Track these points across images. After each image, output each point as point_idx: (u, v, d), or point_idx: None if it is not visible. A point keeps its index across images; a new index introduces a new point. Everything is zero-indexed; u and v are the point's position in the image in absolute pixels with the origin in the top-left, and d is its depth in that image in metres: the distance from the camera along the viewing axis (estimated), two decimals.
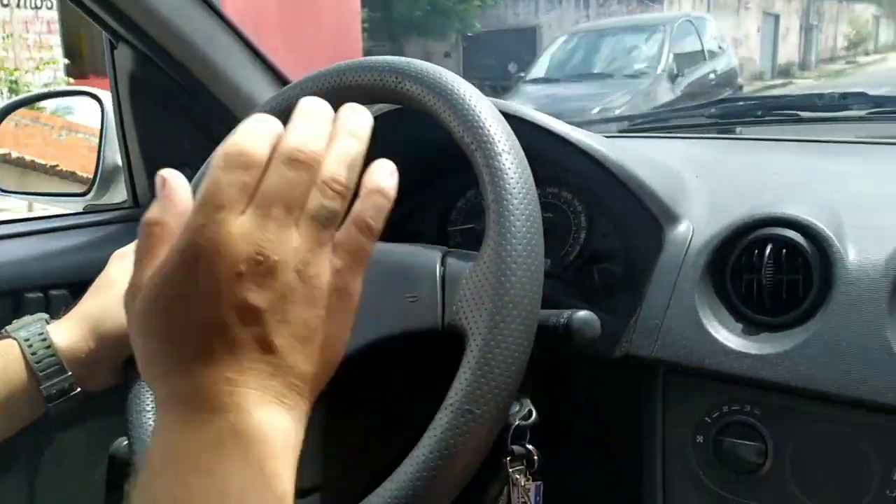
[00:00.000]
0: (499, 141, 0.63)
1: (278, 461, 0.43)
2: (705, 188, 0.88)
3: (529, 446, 0.78)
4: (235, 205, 0.43)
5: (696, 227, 0.82)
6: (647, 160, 0.90)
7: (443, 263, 0.69)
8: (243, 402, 0.42)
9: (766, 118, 1.20)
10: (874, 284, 0.70)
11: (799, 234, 0.75)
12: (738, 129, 1.22)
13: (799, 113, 1.18)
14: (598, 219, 0.98)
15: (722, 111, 1.24)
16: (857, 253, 0.72)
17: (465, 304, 0.63)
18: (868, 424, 0.69)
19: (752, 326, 0.77)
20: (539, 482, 0.81)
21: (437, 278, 0.68)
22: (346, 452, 0.79)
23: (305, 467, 0.46)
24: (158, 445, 0.44)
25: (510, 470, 0.77)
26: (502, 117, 0.66)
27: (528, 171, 0.64)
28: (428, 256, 0.70)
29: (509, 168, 0.62)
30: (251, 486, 0.41)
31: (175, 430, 0.43)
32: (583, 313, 0.68)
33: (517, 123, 0.84)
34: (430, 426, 0.60)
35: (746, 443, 0.73)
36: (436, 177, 1.08)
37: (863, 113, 1.14)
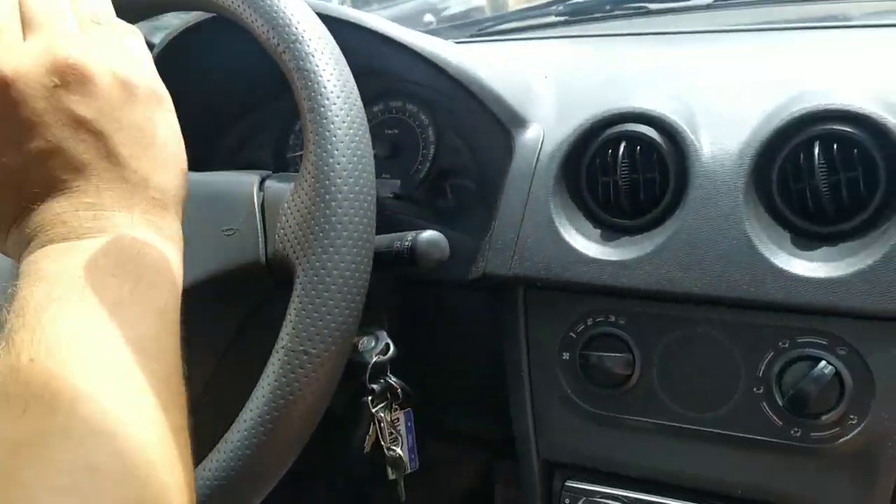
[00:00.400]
0: (309, 40, 0.54)
1: (158, 276, 0.42)
2: (554, 89, 0.81)
3: (392, 379, 0.72)
4: (12, 26, 0.42)
5: (546, 130, 0.76)
6: (490, 63, 0.83)
7: (261, 189, 0.61)
8: (109, 225, 0.41)
9: (615, 12, 1.15)
10: (729, 175, 0.67)
11: (652, 130, 0.70)
12: (588, 25, 1.16)
13: (647, 5, 1.14)
14: (447, 132, 0.90)
15: (570, 9, 1.18)
16: (711, 144, 0.68)
17: (288, 232, 0.55)
18: (731, 322, 0.66)
19: (611, 232, 0.72)
20: (408, 409, 0.75)
21: (256, 206, 0.59)
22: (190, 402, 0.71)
23: None
24: (29, 282, 0.40)
25: (373, 410, 0.71)
26: (314, 14, 0.57)
27: (348, 72, 0.56)
28: (243, 182, 0.61)
29: (323, 69, 0.54)
30: (132, 302, 0.40)
31: (46, 262, 0.40)
32: (428, 234, 0.61)
33: (348, 30, 0.75)
34: (263, 373, 0.53)
35: (613, 355, 0.69)
36: (269, 98, 0.97)
37: (708, 1, 1.10)
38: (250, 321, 0.66)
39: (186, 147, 0.48)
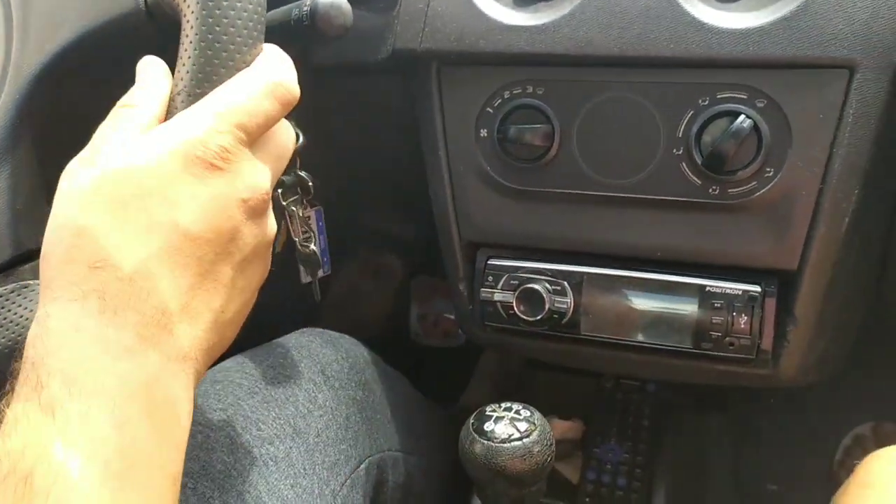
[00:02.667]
0: None
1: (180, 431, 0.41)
2: None
3: (302, 173, 0.69)
4: (256, 133, 0.42)
5: None
6: None
7: None
8: (175, 351, 0.40)
9: None
10: None
11: None
12: None
13: None
14: None
15: None
16: None
17: None
18: (652, 83, 0.64)
19: None
20: (318, 207, 0.73)
21: None
22: None
23: None
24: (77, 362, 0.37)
25: (283, 202, 0.68)
26: None
27: None
28: None
29: None
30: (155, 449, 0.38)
31: (98, 349, 0.37)
32: None
33: None
34: None
35: (531, 126, 0.67)
36: None
37: None
38: None
39: None
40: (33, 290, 0.52)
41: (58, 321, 0.38)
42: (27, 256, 0.53)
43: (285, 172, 0.69)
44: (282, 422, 0.64)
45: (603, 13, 0.63)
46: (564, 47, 0.64)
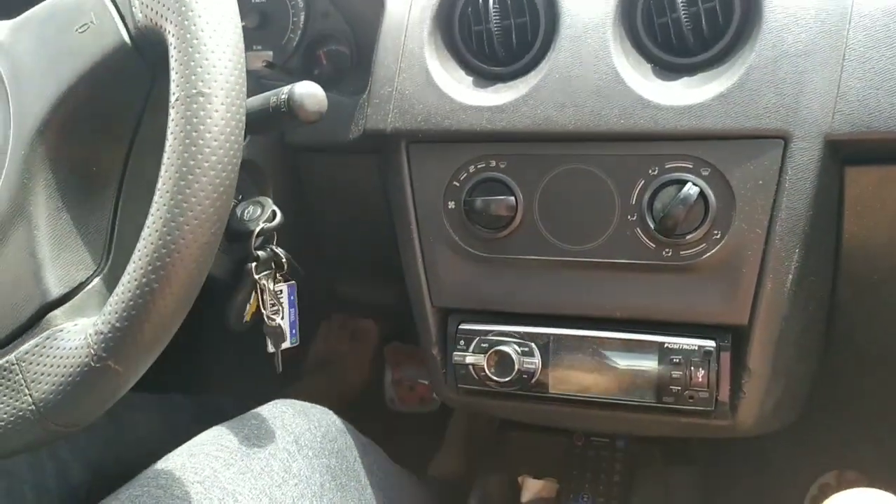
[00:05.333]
0: None
1: None
2: None
3: (277, 249, 0.72)
4: None
5: None
6: None
7: None
8: None
9: None
10: (597, 14, 0.68)
11: None
12: None
13: None
14: None
15: None
16: None
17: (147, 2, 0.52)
18: (605, 156, 0.69)
19: (487, 79, 0.73)
20: (292, 283, 0.76)
21: None
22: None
23: None
24: None
25: (255, 276, 0.71)
26: None
27: None
28: None
29: None
30: None
31: None
32: (303, 83, 0.60)
33: None
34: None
35: (495, 198, 0.72)
36: None
37: None
38: (145, 106, 0.62)
39: None
40: (69, 332, 0.53)
41: None
42: (56, 303, 0.55)
43: (261, 248, 0.73)
44: (258, 492, 0.66)
45: (558, 93, 0.69)
46: (524, 125, 0.70)
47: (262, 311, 0.73)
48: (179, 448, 0.68)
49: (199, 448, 0.68)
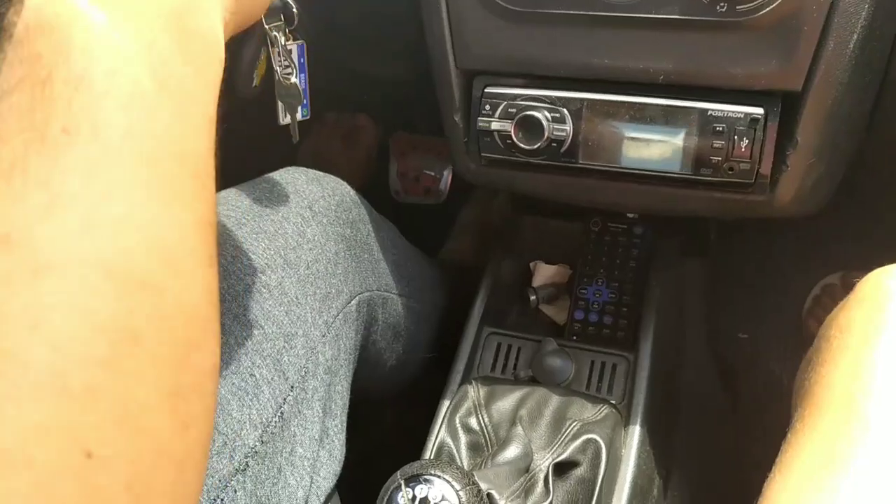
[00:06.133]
0: None
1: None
2: None
3: None
4: None
5: None
6: None
7: None
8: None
9: None
10: None
11: None
12: None
13: None
14: None
15: None
16: None
17: None
18: None
19: None
20: (301, 42, 0.69)
21: None
22: None
23: None
24: None
25: (267, 26, 0.64)
26: None
27: None
28: None
29: None
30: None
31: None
32: None
33: None
34: None
35: None
36: None
37: None
38: None
39: None
40: None
41: None
42: None
43: None
44: (272, 252, 0.63)
45: None
46: None
47: (275, 69, 0.66)
48: None
49: None
